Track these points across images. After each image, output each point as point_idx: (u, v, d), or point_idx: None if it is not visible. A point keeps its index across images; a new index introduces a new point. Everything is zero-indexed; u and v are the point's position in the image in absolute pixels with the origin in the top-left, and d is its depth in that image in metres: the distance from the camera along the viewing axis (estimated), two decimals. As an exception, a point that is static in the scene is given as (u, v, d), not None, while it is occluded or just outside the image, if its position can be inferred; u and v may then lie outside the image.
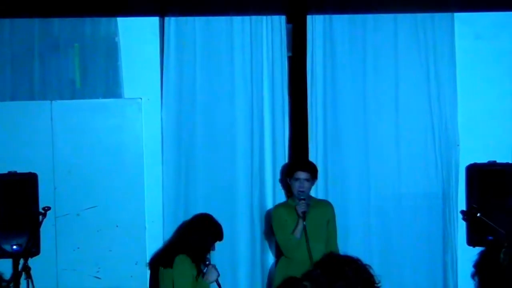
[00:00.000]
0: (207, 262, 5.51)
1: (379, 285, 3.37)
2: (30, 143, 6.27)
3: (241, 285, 6.43)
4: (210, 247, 5.57)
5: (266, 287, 6.43)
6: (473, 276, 4.81)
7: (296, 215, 5.77)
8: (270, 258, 6.50)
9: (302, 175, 5.87)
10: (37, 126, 6.29)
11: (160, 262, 5.63)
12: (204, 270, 5.51)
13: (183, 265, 5.46)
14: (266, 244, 6.49)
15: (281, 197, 6.41)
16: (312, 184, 5.97)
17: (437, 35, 6.48)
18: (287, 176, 6.01)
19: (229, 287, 6.29)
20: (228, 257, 6.38)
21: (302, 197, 5.79)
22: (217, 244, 5.68)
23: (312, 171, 5.93)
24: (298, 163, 6.10)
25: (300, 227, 5.72)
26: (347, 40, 6.48)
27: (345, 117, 6.49)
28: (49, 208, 5.91)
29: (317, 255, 3.49)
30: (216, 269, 5.49)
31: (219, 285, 5.46)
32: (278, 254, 6.20)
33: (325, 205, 6.04)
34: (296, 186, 5.87)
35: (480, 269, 4.67)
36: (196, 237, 5.54)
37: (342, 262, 3.30)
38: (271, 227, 6.13)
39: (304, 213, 5.71)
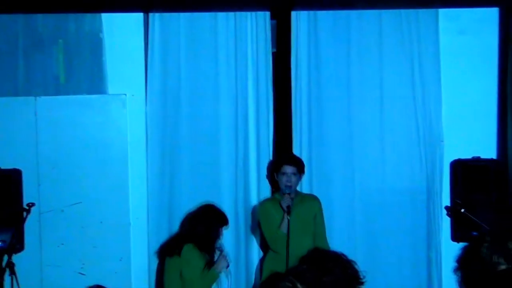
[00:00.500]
0: (221, 248, 5.64)
1: (364, 280, 3.37)
2: (14, 139, 6.28)
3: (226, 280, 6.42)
4: (217, 234, 5.69)
5: (254, 281, 6.44)
6: (455, 271, 4.83)
7: (282, 210, 5.79)
8: (255, 254, 6.50)
9: (288, 169, 5.89)
10: (21, 122, 6.30)
11: (167, 252, 5.70)
12: (216, 259, 5.62)
13: (191, 253, 5.58)
14: (251, 239, 6.50)
15: (266, 192, 6.43)
16: (299, 178, 5.98)
17: (422, 31, 6.47)
18: (274, 171, 6.03)
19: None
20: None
21: (287, 192, 5.81)
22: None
23: (298, 165, 5.96)
24: (285, 158, 6.11)
25: (285, 221, 5.73)
26: (331, 36, 6.48)
27: (330, 112, 6.49)
28: (33, 204, 5.91)
29: (304, 250, 3.47)
30: (226, 259, 5.59)
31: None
32: (265, 248, 6.21)
33: (312, 200, 6.06)
34: (283, 180, 5.89)
35: (462, 264, 4.69)
36: (201, 226, 5.66)
37: (327, 258, 3.31)
38: (258, 221, 6.15)
39: (288, 207, 5.72)
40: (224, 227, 5.79)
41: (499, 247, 3.99)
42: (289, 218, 5.70)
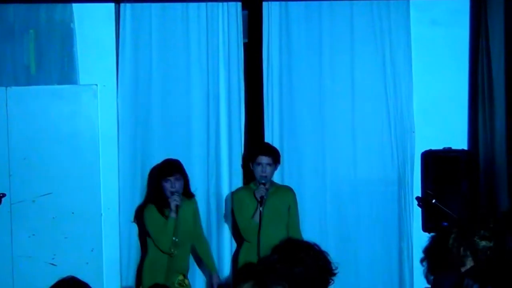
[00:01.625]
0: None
1: (336, 271, 3.38)
2: (-15, 130, 6.25)
3: (197, 271, 6.44)
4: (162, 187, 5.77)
5: (230, 271, 6.44)
6: (422, 261, 4.86)
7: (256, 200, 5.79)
8: (227, 244, 6.49)
9: (264, 159, 5.89)
10: (-8, 112, 6.27)
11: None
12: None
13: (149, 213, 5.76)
14: (223, 230, 6.49)
15: (237, 184, 6.42)
16: (275, 169, 5.99)
17: (393, 22, 6.48)
18: (249, 161, 6.03)
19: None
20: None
21: (262, 181, 5.81)
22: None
23: (274, 155, 5.96)
24: (260, 148, 6.11)
25: (257, 211, 5.75)
26: (303, 26, 6.47)
27: (301, 103, 6.49)
28: (4, 195, 5.93)
29: (277, 241, 3.49)
30: (175, 199, 5.67)
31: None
32: (239, 239, 6.22)
33: (286, 191, 6.07)
34: (258, 170, 5.90)
35: (429, 254, 4.71)
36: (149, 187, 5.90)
37: (299, 248, 3.32)
38: (231, 210, 6.16)
39: (262, 197, 5.73)
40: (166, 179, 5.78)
41: (466, 240, 4.01)
42: (261, 209, 5.71)
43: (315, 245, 3.38)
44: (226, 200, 6.45)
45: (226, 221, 6.48)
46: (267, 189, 5.81)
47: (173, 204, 5.69)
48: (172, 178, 5.76)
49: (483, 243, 3.99)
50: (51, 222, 6.29)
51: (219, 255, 6.46)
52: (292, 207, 6.02)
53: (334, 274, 3.40)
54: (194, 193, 6.09)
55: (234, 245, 6.44)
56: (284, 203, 5.98)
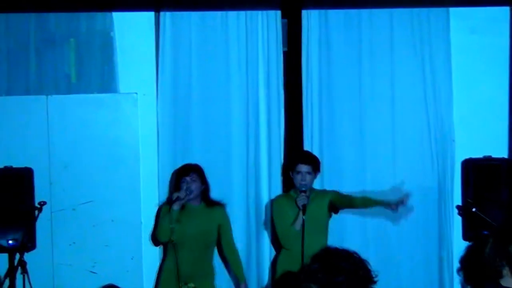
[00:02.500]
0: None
1: (376, 279, 3.36)
2: (26, 138, 6.28)
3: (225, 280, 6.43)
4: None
5: (269, 279, 6.44)
6: (458, 271, 4.81)
7: (297, 207, 5.76)
8: (266, 252, 6.50)
9: (303, 168, 5.84)
10: (33, 120, 6.30)
11: None
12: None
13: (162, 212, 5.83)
14: (262, 237, 6.49)
15: (277, 190, 6.43)
16: (315, 177, 5.93)
17: (433, 30, 6.47)
18: (289, 169, 6.01)
19: (224, 278, 6.36)
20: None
21: (303, 189, 5.78)
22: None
23: (314, 163, 5.91)
24: (300, 156, 6.07)
25: (299, 219, 5.70)
26: (342, 35, 6.48)
27: (341, 111, 6.49)
28: (45, 203, 5.92)
29: (317, 248, 3.47)
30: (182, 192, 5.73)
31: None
32: (277, 246, 6.20)
33: (322, 194, 5.99)
34: (298, 179, 5.85)
35: (465, 264, 4.66)
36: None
37: (340, 257, 3.29)
38: (271, 218, 6.15)
39: (304, 206, 5.68)
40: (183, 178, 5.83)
41: (502, 249, 3.95)
42: (304, 217, 5.66)
43: (355, 254, 3.36)
44: (266, 207, 6.45)
45: (265, 228, 6.47)
46: (308, 197, 5.77)
47: (174, 196, 5.73)
48: (188, 178, 5.81)
49: None
50: (91, 230, 6.31)
51: (258, 262, 6.47)
52: (334, 196, 5.96)
53: (375, 282, 3.38)
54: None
55: (274, 252, 6.43)
56: (323, 207, 5.92)
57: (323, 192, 6.07)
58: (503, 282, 3.90)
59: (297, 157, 6.08)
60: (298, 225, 5.73)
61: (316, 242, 5.49)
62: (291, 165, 5.99)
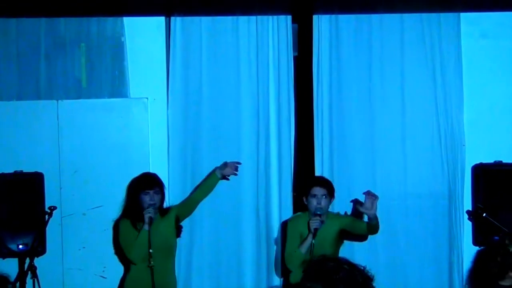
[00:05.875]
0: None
1: (370, 274, 3.36)
2: (36, 143, 6.29)
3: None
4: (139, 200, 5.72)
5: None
6: (465, 284, 4.78)
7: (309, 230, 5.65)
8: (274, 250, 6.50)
9: (319, 191, 5.73)
10: (43, 125, 6.31)
11: None
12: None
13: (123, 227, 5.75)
14: (272, 240, 6.48)
15: (287, 197, 6.44)
16: (330, 202, 5.82)
17: (443, 35, 6.46)
18: (303, 194, 5.86)
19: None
20: (234, 257, 6.46)
21: (318, 212, 5.65)
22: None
23: (328, 187, 5.80)
24: (314, 180, 6.01)
25: (307, 242, 5.58)
26: (353, 40, 6.48)
27: (351, 116, 6.48)
28: (55, 208, 5.92)
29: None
30: (150, 210, 5.64)
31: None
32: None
33: (332, 219, 5.86)
34: (313, 203, 5.71)
35: (472, 278, 4.62)
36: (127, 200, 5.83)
37: (333, 270, 3.29)
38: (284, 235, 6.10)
39: (316, 230, 5.55)
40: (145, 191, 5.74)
41: (507, 259, 3.93)
42: (313, 242, 5.53)
43: (344, 263, 3.35)
44: (280, 226, 6.41)
45: (275, 243, 6.47)
46: (322, 222, 5.64)
47: (146, 216, 5.62)
48: (151, 191, 5.74)
49: None
50: (101, 234, 6.31)
51: (269, 281, 6.46)
52: (345, 221, 5.88)
53: (371, 278, 3.38)
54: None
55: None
56: (331, 232, 5.80)
57: (337, 217, 5.94)
58: (503, 282, 3.91)
59: (312, 181, 5.98)
60: (304, 248, 5.60)
61: None
62: (305, 189, 5.84)
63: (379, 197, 5.63)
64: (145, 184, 5.78)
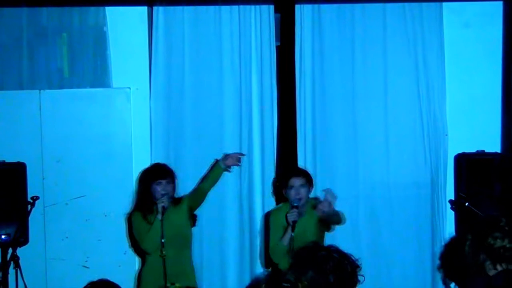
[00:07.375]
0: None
1: (359, 263, 3.39)
2: (19, 133, 6.29)
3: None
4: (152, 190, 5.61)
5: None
6: (438, 268, 4.79)
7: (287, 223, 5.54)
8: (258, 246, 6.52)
9: (296, 181, 5.58)
10: (26, 115, 6.30)
11: None
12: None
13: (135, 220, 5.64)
14: (255, 235, 6.48)
15: (270, 188, 6.46)
16: (309, 191, 5.67)
17: (426, 25, 6.47)
18: (282, 187, 5.71)
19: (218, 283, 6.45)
20: (216, 248, 6.50)
21: (295, 204, 5.51)
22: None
23: (306, 176, 5.67)
24: (291, 171, 5.86)
25: (288, 235, 5.46)
26: (335, 29, 6.48)
27: (334, 106, 6.49)
28: (37, 198, 5.90)
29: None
30: (164, 200, 5.53)
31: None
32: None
33: (311, 208, 5.67)
34: (292, 194, 5.57)
35: (445, 262, 4.63)
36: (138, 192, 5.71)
37: (323, 260, 3.34)
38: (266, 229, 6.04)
39: (294, 222, 5.42)
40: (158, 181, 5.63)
41: (481, 244, 3.92)
42: (293, 234, 5.41)
43: (334, 251, 3.38)
44: (263, 218, 6.41)
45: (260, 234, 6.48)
46: (300, 213, 5.49)
47: (160, 206, 5.52)
48: (164, 181, 5.64)
49: (498, 242, 3.90)
50: (84, 224, 6.31)
51: (252, 271, 6.48)
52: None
53: (359, 267, 3.42)
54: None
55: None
56: (312, 221, 5.61)
57: (311, 205, 5.73)
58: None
59: (288, 172, 5.81)
60: (286, 241, 5.47)
61: None
62: (283, 182, 5.69)
63: (337, 197, 5.50)
64: (158, 174, 5.66)
